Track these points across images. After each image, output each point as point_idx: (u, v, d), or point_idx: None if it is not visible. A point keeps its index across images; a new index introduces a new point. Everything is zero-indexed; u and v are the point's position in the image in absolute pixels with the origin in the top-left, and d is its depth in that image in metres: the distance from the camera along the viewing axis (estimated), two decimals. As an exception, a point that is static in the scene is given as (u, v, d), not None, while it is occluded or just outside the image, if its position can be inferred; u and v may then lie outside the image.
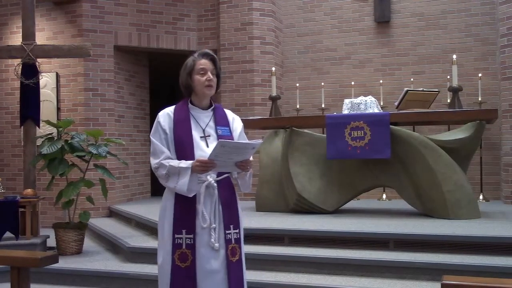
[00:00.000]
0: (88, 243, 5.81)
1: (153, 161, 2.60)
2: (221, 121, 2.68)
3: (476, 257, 3.90)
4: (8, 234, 4.96)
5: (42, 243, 5.16)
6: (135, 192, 7.99)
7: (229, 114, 2.78)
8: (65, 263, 4.72)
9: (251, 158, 2.57)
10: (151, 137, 2.65)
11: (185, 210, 2.55)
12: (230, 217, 2.60)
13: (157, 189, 9.08)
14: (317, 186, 5.54)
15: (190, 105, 2.68)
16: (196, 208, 2.54)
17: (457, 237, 4.12)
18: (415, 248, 4.19)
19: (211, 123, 2.67)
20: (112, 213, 7.16)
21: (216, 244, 2.52)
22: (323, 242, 4.46)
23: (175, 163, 2.54)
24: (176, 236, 2.53)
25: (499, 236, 4.04)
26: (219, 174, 2.61)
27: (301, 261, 4.17)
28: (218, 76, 2.70)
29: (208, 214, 2.53)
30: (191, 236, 2.52)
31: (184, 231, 2.53)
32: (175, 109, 2.68)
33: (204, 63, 2.64)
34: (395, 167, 5.30)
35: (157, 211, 6.43)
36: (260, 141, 2.52)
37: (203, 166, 2.45)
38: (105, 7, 7.39)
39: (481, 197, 6.67)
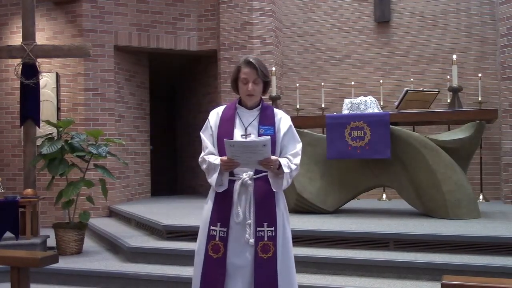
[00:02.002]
0: (88, 243, 5.81)
1: (200, 156, 2.76)
2: (265, 121, 2.72)
3: (476, 257, 3.91)
4: (8, 234, 4.96)
5: (42, 243, 5.16)
6: (135, 192, 7.99)
7: (278, 114, 2.79)
8: (65, 263, 4.73)
9: (272, 157, 2.58)
10: (200, 133, 2.81)
11: (222, 204, 2.67)
12: (264, 215, 2.63)
13: (157, 189, 9.09)
14: (317, 186, 5.55)
15: (237, 104, 2.79)
16: (231, 204, 2.64)
17: (457, 237, 4.12)
18: (415, 248, 4.19)
19: (255, 122, 2.72)
20: (112, 213, 7.16)
21: (251, 240, 2.60)
22: (323, 242, 4.46)
23: (212, 158, 2.66)
24: (212, 227, 2.66)
25: (499, 236, 4.04)
26: (257, 172, 2.66)
27: (301, 261, 4.15)
28: (265, 82, 2.73)
29: (242, 210, 2.62)
30: (225, 229, 2.63)
31: (219, 224, 2.65)
32: (224, 108, 2.81)
33: (246, 72, 2.69)
34: (395, 167, 5.31)
35: (157, 211, 6.46)
36: (267, 137, 2.53)
37: (225, 165, 2.57)
38: (105, 7, 7.39)
39: (481, 197, 6.67)
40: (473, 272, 3.65)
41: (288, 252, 2.73)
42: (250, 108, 2.77)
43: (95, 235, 6.20)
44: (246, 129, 2.71)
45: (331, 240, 4.45)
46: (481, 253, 3.99)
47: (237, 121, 2.73)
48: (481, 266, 3.70)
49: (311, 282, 3.87)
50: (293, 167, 2.66)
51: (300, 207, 5.61)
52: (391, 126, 5.13)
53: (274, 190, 2.65)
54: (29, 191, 5.24)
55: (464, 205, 4.98)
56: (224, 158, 2.57)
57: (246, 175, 2.64)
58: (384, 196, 7.20)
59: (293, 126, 2.78)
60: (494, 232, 4.18)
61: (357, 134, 5.19)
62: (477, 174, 6.82)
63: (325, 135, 5.45)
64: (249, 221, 2.61)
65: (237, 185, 2.64)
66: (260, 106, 2.78)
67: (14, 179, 7.39)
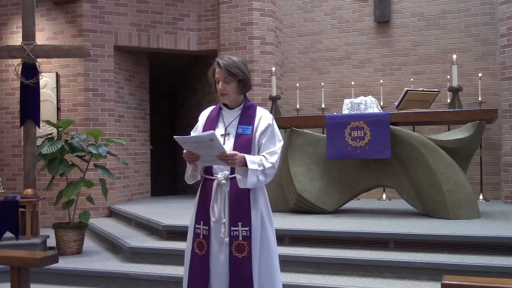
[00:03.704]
0: (88, 243, 5.81)
1: None
2: (245, 120, 2.75)
3: (476, 257, 3.91)
4: (8, 234, 4.96)
5: (42, 243, 5.16)
6: (135, 192, 7.99)
7: (259, 113, 2.80)
8: (65, 263, 4.73)
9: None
10: (191, 132, 2.90)
11: (204, 203, 2.73)
12: (239, 214, 2.65)
13: (157, 189, 9.09)
14: (317, 186, 5.55)
15: (221, 105, 2.84)
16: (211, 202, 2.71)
17: (457, 237, 4.12)
18: (415, 248, 4.19)
19: (234, 122, 2.76)
20: (112, 213, 7.16)
21: (226, 239, 2.64)
22: (323, 242, 4.46)
23: None
24: (197, 226, 2.74)
25: (499, 236, 4.04)
26: (233, 171, 2.68)
27: (301, 261, 4.17)
28: (239, 80, 2.73)
29: (217, 209, 2.67)
30: (206, 227, 2.70)
31: (202, 222, 2.72)
32: (212, 109, 2.88)
33: (217, 72, 2.75)
34: (395, 167, 5.31)
35: (157, 211, 6.46)
36: (212, 131, 2.54)
37: (186, 158, 2.64)
38: (105, 7, 7.39)
39: (481, 197, 6.67)
40: (473, 272, 3.65)
41: (269, 253, 2.71)
42: (232, 108, 2.81)
43: (95, 235, 6.20)
44: (226, 128, 2.75)
45: (331, 240, 4.45)
46: (481, 253, 3.99)
47: (220, 121, 2.80)
48: (481, 266, 3.70)
49: (311, 282, 3.87)
50: (268, 165, 2.64)
51: (300, 207, 5.61)
52: (391, 126, 5.13)
53: (241, 186, 2.65)
54: (29, 191, 5.24)
55: (464, 205, 4.98)
56: (185, 151, 2.64)
57: (221, 174, 2.68)
58: (384, 196, 7.20)
59: (274, 125, 2.77)
60: (494, 232, 4.18)
61: (357, 134, 5.19)
62: (477, 174, 6.82)
63: (325, 135, 5.45)
64: (224, 220, 2.65)
65: (214, 184, 2.69)
66: (241, 106, 2.80)
67: (14, 179, 7.39)
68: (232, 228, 2.64)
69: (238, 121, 2.76)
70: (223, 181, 2.67)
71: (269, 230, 2.74)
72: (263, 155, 2.68)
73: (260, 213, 2.71)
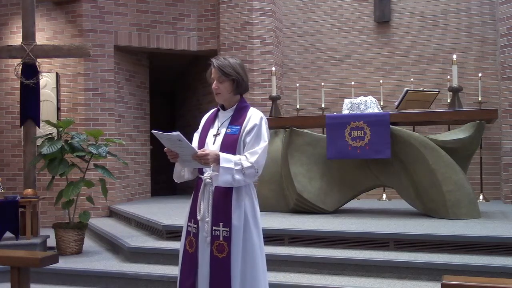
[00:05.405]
0: (88, 243, 5.81)
1: None
2: (235, 121, 2.78)
3: (476, 257, 3.91)
4: (8, 234, 4.96)
5: (42, 243, 5.16)
6: (135, 192, 7.99)
7: (250, 113, 2.80)
8: (65, 263, 4.73)
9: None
10: (194, 135, 2.97)
11: (195, 202, 2.78)
12: (220, 214, 2.66)
13: (157, 189, 9.08)
14: (317, 186, 5.55)
15: (219, 106, 2.90)
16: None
17: (457, 237, 4.12)
18: (415, 248, 4.19)
19: (226, 123, 2.80)
20: (112, 213, 7.17)
21: (208, 238, 2.66)
22: (323, 242, 4.46)
23: None
24: (189, 224, 2.79)
25: (499, 236, 4.04)
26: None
27: (301, 261, 4.17)
28: (232, 80, 2.75)
29: (203, 208, 2.70)
30: (196, 226, 2.73)
31: (192, 220, 2.76)
32: (212, 111, 2.95)
33: (213, 72, 2.79)
34: (395, 167, 5.31)
35: (157, 211, 6.46)
36: (176, 132, 2.54)
37: (168, 155, 2.69)
38: (105, 7, 7.39)
39: (481, 197, 6.67)
40: (473, 272, 3.65)
41: (253, 255, 2.68)
42: (226, 109, 2.85)
43: (95, 235, 6.20)
44: (218, 129, 2.80)
45: (331, 240, 4.45)
46: (481, 253, 3.99)
47: (215, 122, 2.85)
48: (481, 266, 3.70)
49: (311, 282, 3.87)
50: (246, 164, 2.61)
51: (300, 207, 5.61)
52: (391, 126, 5.13)
53: (213, 184, 2.67)
54: (29, 191, 5.24)
55: (464, 205, 4.98)
56: (165, 148, 2.66)
57: (207, 174, 2.72)
58: (384, 196, 7.20)
59: (261, 125, 2.75)
60: (494, 232, 4.18)
61: (357, 134, 5.19)
62: (477, 174, 6.82)
63: (325, 135, 5.45)
64: (207, 219, 2.67)
65: (202, 184, 2.73)
66: (234, 107, 2.82)
67: (14, 179, 7.39)
68: (214, 228, 2.65)
69: (229, 121, 2.79)
70: (208, 180, 2.71)
71: (253, 232, 2.70)
72: (244, 155, 2.68)
73: (243, 214, 2.68)
